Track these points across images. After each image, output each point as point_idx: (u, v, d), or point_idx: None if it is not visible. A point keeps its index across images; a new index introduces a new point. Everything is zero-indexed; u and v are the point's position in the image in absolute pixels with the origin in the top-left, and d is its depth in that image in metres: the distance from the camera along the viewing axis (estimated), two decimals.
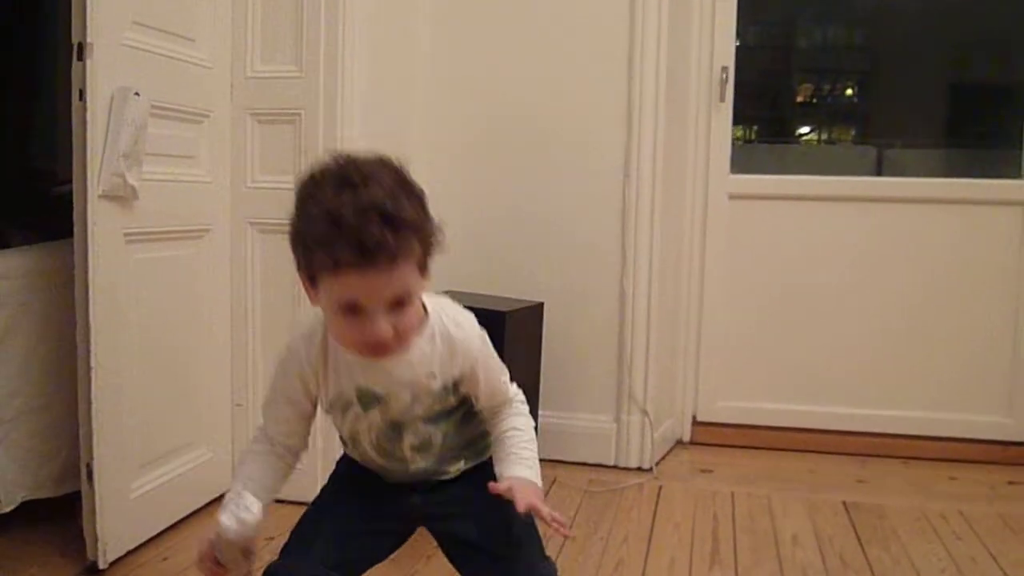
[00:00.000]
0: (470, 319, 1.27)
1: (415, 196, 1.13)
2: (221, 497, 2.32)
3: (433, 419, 1.27)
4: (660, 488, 2.57)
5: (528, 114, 2.70)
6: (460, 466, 1.32)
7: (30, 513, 2.09)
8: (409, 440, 1.27)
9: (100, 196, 1.85)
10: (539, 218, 2.71)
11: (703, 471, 2.75)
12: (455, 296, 2.47)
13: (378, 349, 1.12)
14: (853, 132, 3.60)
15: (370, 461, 1.32)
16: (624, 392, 2.69)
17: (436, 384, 1.23)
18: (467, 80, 2.74)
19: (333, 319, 1.13)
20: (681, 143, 2.84)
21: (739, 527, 2.30)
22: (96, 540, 1.91)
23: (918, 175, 3.00)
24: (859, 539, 2.23)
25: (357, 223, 1.04)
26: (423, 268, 1.12)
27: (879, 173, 3.14)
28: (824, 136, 3.61)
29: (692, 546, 2.18)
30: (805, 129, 3.61)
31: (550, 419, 2.61)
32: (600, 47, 2.64)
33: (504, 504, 1.18)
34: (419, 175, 2.77)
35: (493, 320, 2.30)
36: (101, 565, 1.91)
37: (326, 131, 2.27)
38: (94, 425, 1.89)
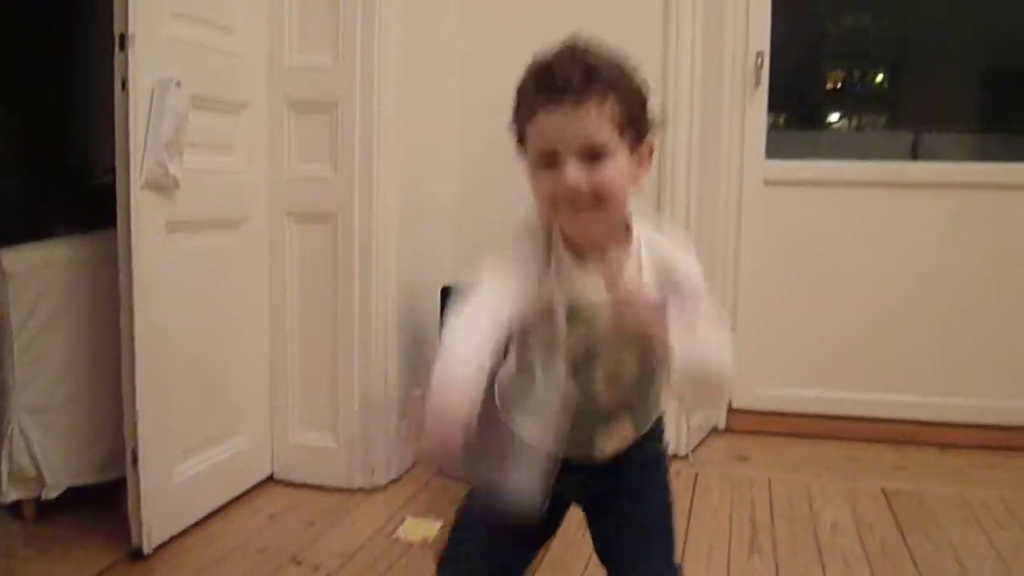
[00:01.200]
0: (682, 241, 1.20)
1: (627, 73, 1.13)
2: (261, 484, 2.37)
3: (644, 351, 1.15)
4: (697, 475, 2.56)
5: None
6: (629, 433, 1.22)
7: (75, 499, 2.13)
8: (604, 368, 1.17)
9: (143, 186, 1.87)
10: None
11: (740, 458, 2.74)
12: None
13: (574, 205, 1.08)
14: (884, 119, 3.57)
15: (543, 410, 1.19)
16: None
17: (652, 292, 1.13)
18: (499, 71, 2.68)
19: (535, 180, 1.13)
20: (716, 129, 2.81)
21: (777, 514, 2.29)
22: (141, 525, 1.94)
23: (952, 160, 2.97)
24: (899, 527, 2.22)
25: (554, 66, 1.10)
26: (623, 131, 1.10)
27: (915, 158, 3.11)
28: (855, 123, 3.57)
29: (730, 534, 2.17)
30: (835, 116, 3.58)
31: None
32: (635, 32, 2.58)
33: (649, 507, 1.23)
34: (452, 169, 2.81)
35: None
36: (146, 550, 1.95)
37: (363, 121, 2.28)
38: (138, 411, 1.92)
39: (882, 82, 3.53)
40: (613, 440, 1.23)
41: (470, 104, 2.74)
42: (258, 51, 2.28)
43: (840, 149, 3.30)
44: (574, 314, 1.15)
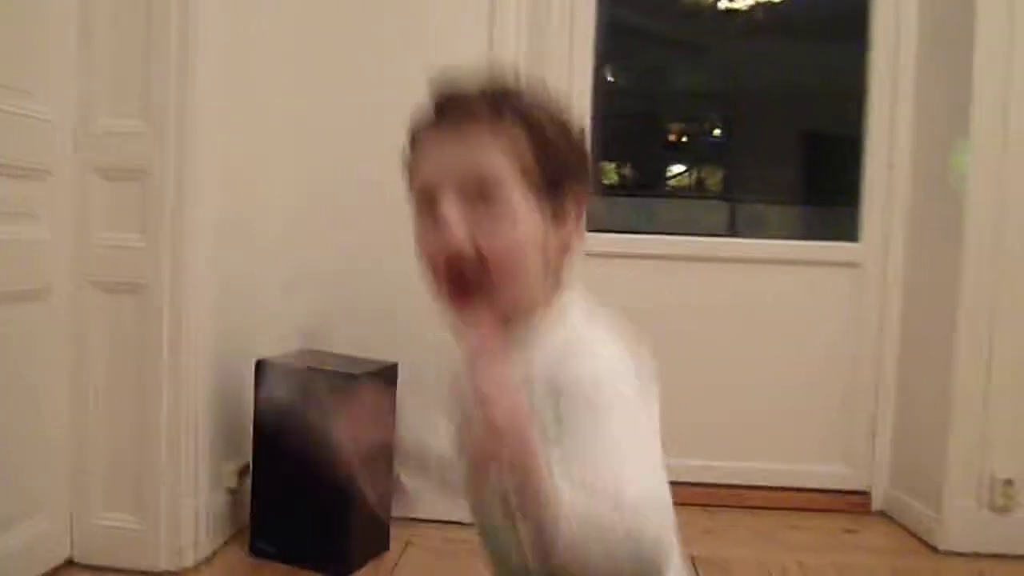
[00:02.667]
0: (610, 351, 0.88)
1: (549, 107, 0.88)
2: (59, 569, 2.23)
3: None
4: None
5: (387, 172, 2.69)
6: None
7: None
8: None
9: None
10: (396, 276, 2.69)
11: None
12: (311, 354, 2.47)
13: (459, 276, 0.81)
14: (721, 173, 3.76)
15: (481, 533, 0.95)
16: None
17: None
18: (325, 135, 2.72)
19: (416, 235, 0.87)
20: None
21: None
22: None
23: (770, 230, 3.18)
24: None
25: (451, 85, 0.87)
26: (530, 172, 0.84)
27: (733, 228, 3.30)
28: (694, 175, 3.76)
29: None
30: (679, 168, 3.76)
31: (403, 479, 2.59)
32: None
33: None
34: (272, 231, 2.76)
35: (345, 382, 2.31)
36: None
37: (175, 188, 2.22)
38: None
39: (718, 137, 3.74)
40: None
41: (292, 169, 2.71)
42: (64, 115, 2.19)
43: (669, 217, 3.45)
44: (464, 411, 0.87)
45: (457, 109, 0.86)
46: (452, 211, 0.83)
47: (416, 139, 0.91)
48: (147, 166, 2.22)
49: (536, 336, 0.88)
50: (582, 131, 0.95)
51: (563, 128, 0.92)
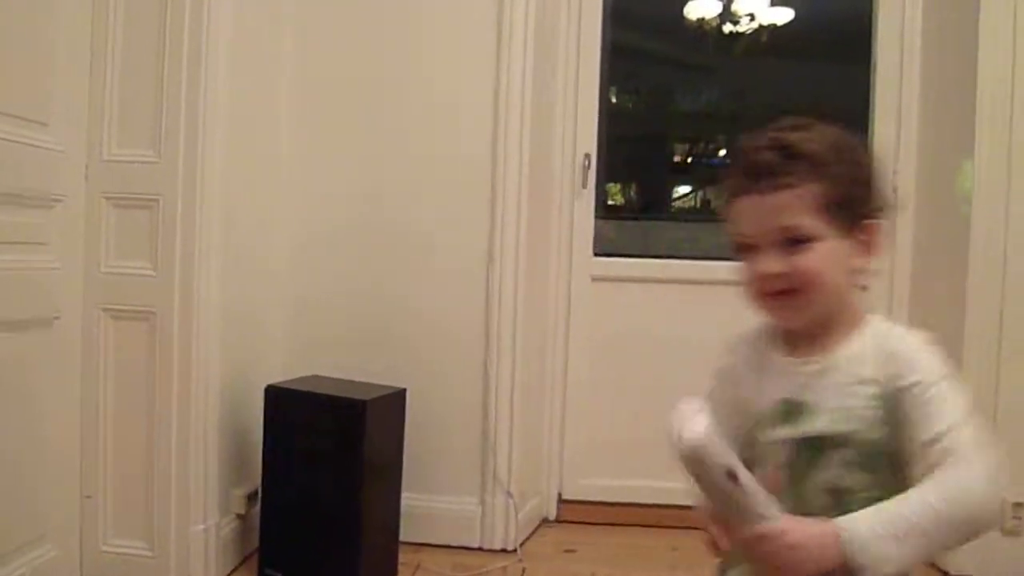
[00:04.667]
0: (924, 340, 1.08)
1: (840, 149, 1.06)
2: None
3: (858, 463, 1.04)
4: (524, 570, 2.58)
5: (392, 198, 2.73)
6: None
7: None
8: (822, 476, 1.05)
9: None
10: (402, 302, 2.72)
11: (567, 551, 2.78)
12: (315, 380, 2.48)
13: (770, 293, 1.04)
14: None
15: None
16: (488, 474, 2.71)
17: (868, 392, 1.03)
18: (330, 164, 2.75)
19: (738, 267, 1.08)
20: (544, 227, 2.91)
21: None
22: None
23: None
24: None
25: (749, 149, 1.06)
26: (831, 214, 1.03)
27: None
28: (700, 196, 3.77)
29: None
30: (684, 189, 3.77)
31: (414, 502, 2.60)
32: (465, 134, 2.70)
33: None
34: (282, 260, 2.78)
35: (354, 409, 2.32)
36: None
37: (184, 217, 2.24)
38: None
39: (725, 157, 3.76)
40: None
41: (300, 201, 2.74)
42: (75, 144, 2.22)
43: (680, 240, 3.47)
44: (787, 408, 1.09)
45: (762, 177, 1.03)
46: (768, 260, 1.04)
47: (730, 199, 1.08)
48: (157, 194, 2.25)
49: (863, 335, 1.08)
50: (873, 168, 1.10)
51: (860, 169, 1.08)
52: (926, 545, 0.94)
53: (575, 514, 3.02)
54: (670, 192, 3.81)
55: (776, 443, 1.09)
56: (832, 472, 1.05)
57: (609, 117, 3.22)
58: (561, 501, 3.05)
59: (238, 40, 2.39)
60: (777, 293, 1.05)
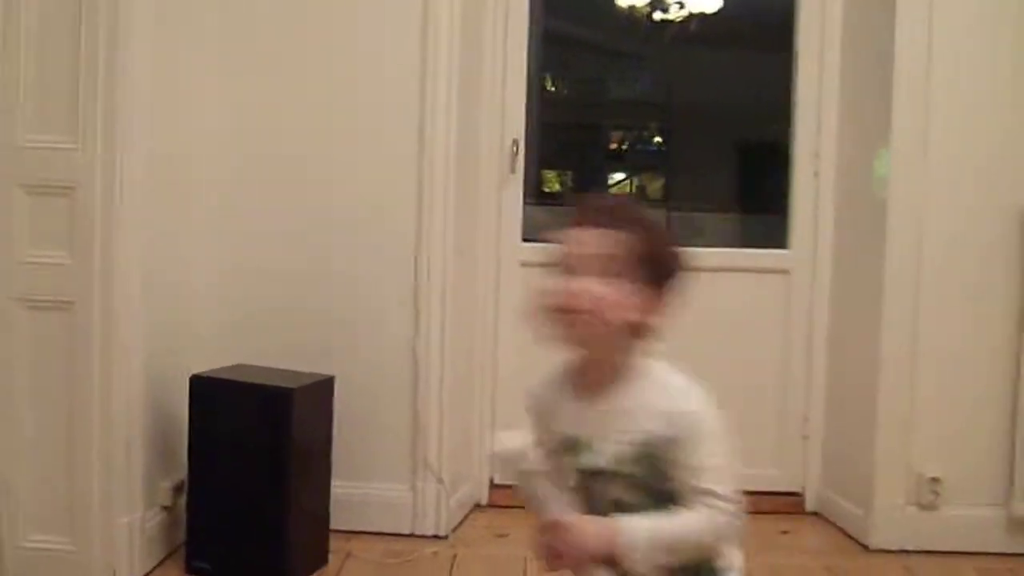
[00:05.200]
0: (698, 388, 1.28)
1: (651, 226, 1.28)
2: None
3: (618, 501, 1.25)
4: (455, 556, 2.59)
5: (317, 183, 2.70)
6: None
7: None
8: (608, 495, 1.26)
9: None
10: (330, 289, 2.70)
11: (499, 536, 2.79)
12: (241, 369, 2.46)
13: (564, 308, 1.19)
14: (661, 181, 3.81)
15: None
16: (419, 460, 2.71)
17: (638, 440, 1.22)
18: (255, 149, 2.71)
19: (548, 281, 1.23)
20: (473, 212, 2.92)
21: None
22: None
23: (706, 238, 3.27)
24: None
25: (592, 199, 1.38)
26: (635, 265, 1.20)
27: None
28: (635, 183, 3.81)
29: None
30: (619, 176, 3.81)
31: (344, 489, 2.59)
32: (391, 117, 2.69)
33: None
34: (205, 249, 2.74)
35: (281, 397, 2.31)
36: None
37: (104, 205, 2.19)
38: None
39: (659, 146, 3.80)
40: None
41: (223, 188, 2.69)
42: None
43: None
44: (571, 442, 1.27)
45: (599, 214, 1.23)
46: (578, 279, 1.20)
47: (571, 225, 1.23)
48: (75, 182, 2.19)
49: (636, 380, 1.27)
50: (677, 247, 1.30)
51: (662, 244, 1.27)
52: (666, 555, 1.19)
53: (507, 499, 3.02)
54: (606, 179, 3.85)
55: (568, 469, 1.28)
56: (615, 493, 1.26)
57: (544, 104, 3.24)
58: (493, 486, 3.06)
59: (160, 18, 2.34)
60: (569, 310, 1.20)
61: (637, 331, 1.25)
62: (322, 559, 2.49)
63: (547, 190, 3.57)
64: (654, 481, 1.23)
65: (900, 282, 2.66)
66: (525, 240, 3.08)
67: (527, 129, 3.07)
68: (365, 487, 2.70)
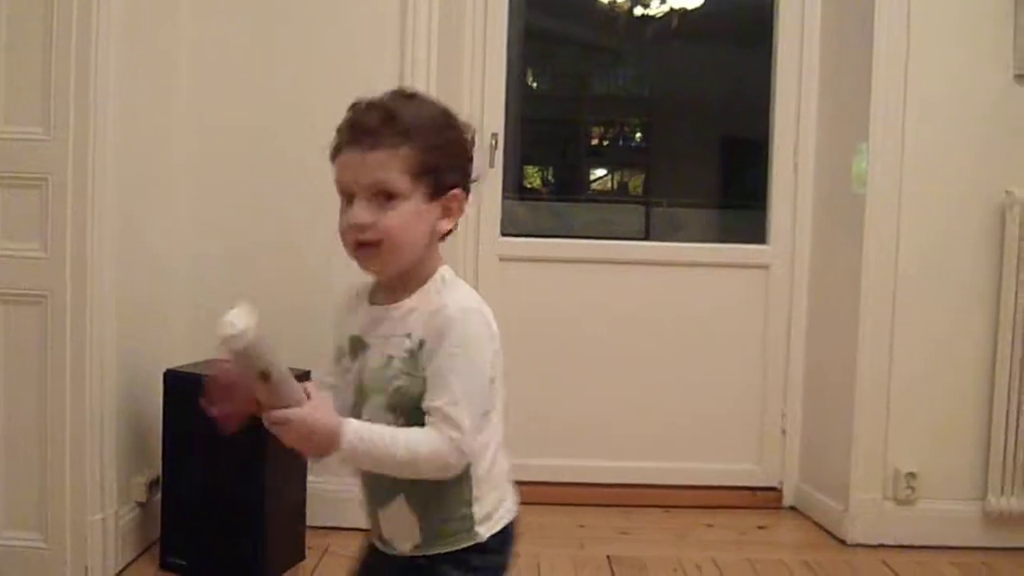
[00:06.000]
0: (479, 311, 1.19)
1: (438, 123, 1.20)
2: None
3: (392, 407, 1.19)
4: None
5: (294, 178, 2.67)
6: (412, 524, 1.21)
7: None
8: (380, 399, 1.19)
9: None
10: (306, 284, 2.67)
11: None
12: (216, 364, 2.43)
13: (359, 239, 1.16)
14: (642, 176, 3.81)
15: None
16: None
17: (407, 344, 1.17)
18: (230, 142, 2.68)
19: (340, 211, 1.19)
20: None
21: None
22: None
23: (686, 233, 3.28)
24: None
25: (358, 111, 1.18)
26: (419, 177, 1.15)
27: (648, 231, 3.35)
28: (616, 178, 3.81)
29: None
30: (601, 171, 3.80)
31: (321, 485, 2.57)
32: None
33: None
34: (180, 240, 2.71)
35: None
36: None
37: (76, 196, 2.16)
38: None
39: (640, 141, 3.79)
40: (393, 524, 1.23)
41: (197, 182, 2.67)
42: None
43: (587, 221, 3.49)
44: (354, 343, 1.24)
45: (365, 135, 1.15)
46: (360, 210, 1.16)
47: (337, 151, 1.18)
48: (47, 174, 2.16)
49: (425, 290, 1.20)
50: (468, 140, 1.23)
51: (452, 143, 1.21)
52: (377, 467, 1.16)
53: None
54: (587, 175, 3.84)
55: (350, 370, 1.25)
56: (389, 396, 1.20)
57: (526, 100, 3.23)
58: None
59: (131, 8, 2.30)
60: (363, 244, 1.16)
61: (430, 241, 1.21)
62: (299, 555, 2.48)
63: (528, 185, 3.56)
64: (416, 389, 1.17)
65: (878, 277, 2.66)
66: (504, 235, 3.07)
67: (507, 124, 3.06)
68: (342, 482, 2.67)
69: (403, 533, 1.23)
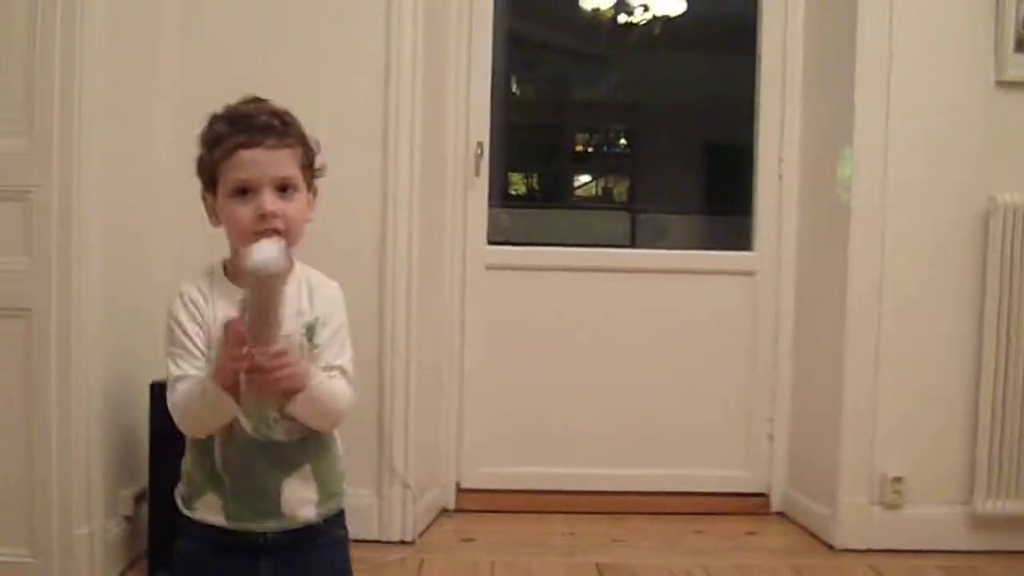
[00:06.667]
0: (331, 280, 1.41)
1: (303, 128, 1.36)
2: None
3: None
4: (422, 561, 2.58)
5: None
6: (312, 492, 1.33)
7: None
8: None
9: None
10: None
11: (465, 540, 2.78)
12: None
13: (269, 228, 1.26)
14: (626, 183, 3.82)
15: (243, 441, 1.31)
16: (384, 465, 2.69)
17: (302, 321, 1.31)
18: None
19: (230, 210, 1.30)
20: (439, 216, 2.90)
21: None
22: None
23: (671, 240, 3.29)
24: None
25: (253, 113, 1.31)
26: (307, 174, 1.34)
27: (633, 238, 3.36)
28: (600, 185, 3.81)
29: None
30: (585, 178, 3.81)
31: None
32: (354, 121, 2.66)
33: None
34: (165, 253, 2.68)
35: None
36: None
37: (60, 208, 2.15)
38: None
39: (624, 148, 3.81)
40: (296, 493, 1.31)
41: (183, 192, 2.63)
42: None
43: (573, 228, 3.50)
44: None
45: (268, 136, 1.29)
46: (271, 199, 1.28)
47: (233, 150, 1.29)
48: (31, 186, 2.15)
49: (296, 272, 1.33)
50: (313, 142, 1.39)
51: (313, 144, 1.38)
52: (316, 410, 1.29)
53: (474, 503, 3.03)
54: (571, 182, 3.85)
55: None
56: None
57: (509, 107, 3.23)
58: (460, 490, 3.05)
59: (115, 23, 2.29)
60: (268, 232, 1.26)
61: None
62: None
63: (513, 192, 3.56)
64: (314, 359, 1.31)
65: (863, 283, 2.68)
66: (491, 243, 3.07)
67: (492, 132, 3.06)
68: None
69: (304, 499, 1.33)
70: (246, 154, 1.28)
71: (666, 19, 3.46)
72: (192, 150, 2.60)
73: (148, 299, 2.57)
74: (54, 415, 2.17)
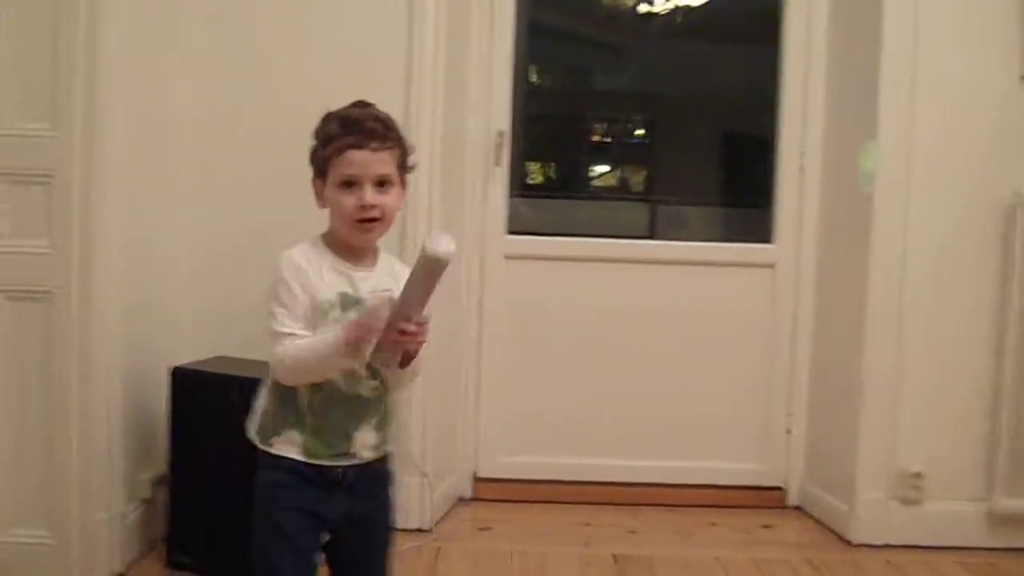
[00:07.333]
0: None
1: (404, 140, 1.54)
2: None
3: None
4: (438, 549, 2.58)
5: (302, 178, 2.66)
6: (385, 438, 1.57)
7: None
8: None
9: None
10: None
11: (482, 529, 2.79)
12: (222, 361, 2.43)
13: (368, 216, 1.47)
14: (644, 174, 3.80)
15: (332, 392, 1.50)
16: (402, 453, 2.68)
17: (393, 295, 1.44)
18: (237, 140, 2.67)
19: (336, 198, 1.49)
20: (458, 206, 2.90)
21: None
22: None
23: (690, 232, 3.27)
24: None
25: (361, 118, 1.50)
26: (401, 172, 1.53)
27: (652, 229, 3.35)
28: (618, 175, 3.80)
29: None
30: (603, 168, 3.80)
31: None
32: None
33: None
34: (186, 239, 2.69)
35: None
36: None
37: (82, 193, 2.16)
38: None
39: (642, 137, 3.79)
40: (366, 437, 1.53)
41: (211, 173, 2.66)
42: None
43: (591, 219, 3.48)
44: (347, 300, 1.50)
45: (373, 140, 1.48)
46: (371, 192, 1.48)
47: (342, 149, 1.48)
48: (54, 170, 2.16)
49: (383, 256, 1.58)
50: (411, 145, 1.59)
51: (408, 148, 1.56)
52: (415, 371, 1.54)
53: (491, 492, 3.03)
54: (589, 172, 3.83)
55: (339, 320, 1.48)
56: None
57: (529, 96, 3.22)
58: (477, 479, 3.05)
59: (138, 9, 2.30)
60: (370, 220, 1.48)
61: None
62: None
63: (531, 182, 3.55)
64: None
65: (885, 277, 2.66)
66: (510, 233, 3.06)
67: (512, 121, 3.05)
68: None
69: (368, 444, 1.54)
70: (353, 154, 1.47)
71: (687, 8, 3.43)
72: (214, 137, 2.65)
73: (168, 284, 2.59)
74: (74, 398, 2.19)
